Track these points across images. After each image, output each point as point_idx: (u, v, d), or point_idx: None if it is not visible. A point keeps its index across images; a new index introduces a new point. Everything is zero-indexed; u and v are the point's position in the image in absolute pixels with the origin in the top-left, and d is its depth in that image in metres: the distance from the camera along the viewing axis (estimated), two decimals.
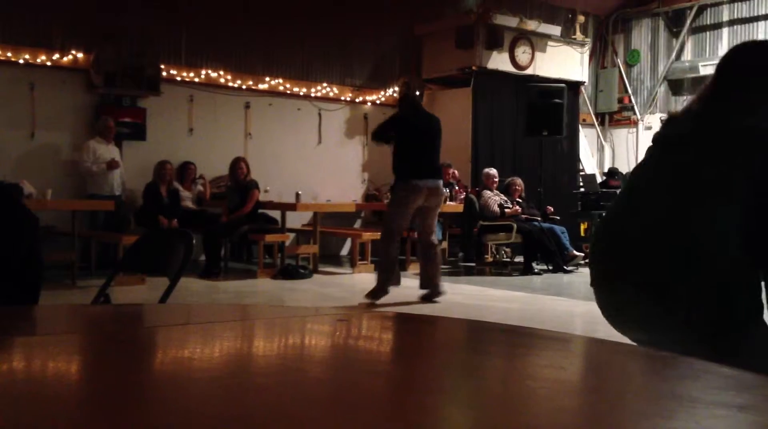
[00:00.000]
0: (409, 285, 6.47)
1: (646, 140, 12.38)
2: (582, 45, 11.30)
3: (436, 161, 6.06)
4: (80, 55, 8.18)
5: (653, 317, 1.69)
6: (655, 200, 1.76)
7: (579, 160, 11.77)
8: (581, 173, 11.56)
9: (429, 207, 5.97)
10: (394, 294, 5.93)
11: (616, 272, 1.79)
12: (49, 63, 8.04)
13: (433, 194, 5.88)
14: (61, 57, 8.11)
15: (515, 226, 8.29)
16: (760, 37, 11.32)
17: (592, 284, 1.88)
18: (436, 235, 9.03)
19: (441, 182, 6.04)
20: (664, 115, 1.94)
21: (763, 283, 1.64)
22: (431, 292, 6.05)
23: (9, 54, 7.84)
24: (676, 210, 1.70)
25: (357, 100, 10.36)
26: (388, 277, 5.81)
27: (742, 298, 1.62)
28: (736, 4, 11.60)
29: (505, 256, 9.34)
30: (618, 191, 2.08)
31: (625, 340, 1.76)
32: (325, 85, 9.97)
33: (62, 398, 0.84)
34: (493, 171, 8.93)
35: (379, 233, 6.16)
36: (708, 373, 1.02)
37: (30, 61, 7.94)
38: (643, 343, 1.74)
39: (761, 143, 1.64)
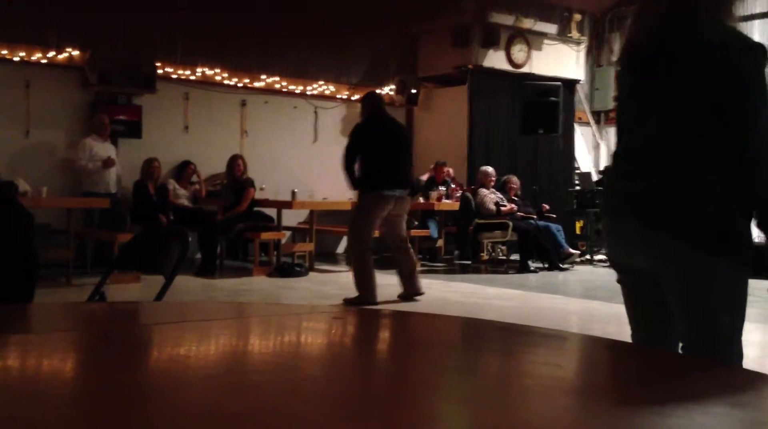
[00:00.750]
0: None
1: None
2: (578, 43, 11.30)
3: (405, 171, 6.03)
4: (76, 53, 8.16)
5: (653, 239, 1.77)
6: (644, 126, 1.83)
7: (575, 159, 11.79)
8: (577, 171, 11.57)
9: (397, 215, 5.96)
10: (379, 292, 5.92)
11: (622, 209, 1.86)
12: (44, 61, 8.01)
13: (399, 203, 5.87)
14: (57, 55, 8.08)
15: (511, 224, 8.30)
16: (756, 37, 11.35)
17: (600, 215, 2.03)
18: (433, 234, 9.05)
19: (408, 191, 6.01)
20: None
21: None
22: (409, 292, 5.99)
23: (4, 51, 7.81)
24: (662, 131, 1.78)
25: (353, 98, 10.35)
26: (367, 290, 5.77)
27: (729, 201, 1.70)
28: None
29: (500, 254, 9.35)
30: None
31: (624, 337, 1.76)
32: (321, 83, 9.96)
33: (58, 396, 0.84)
34: (490, 169, 8.94)
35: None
36: (703, 371, 1.02)
37: (25, 59, 7.91)
38: (634, 269, 1.84)
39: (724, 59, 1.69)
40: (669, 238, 1.74)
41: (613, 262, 1.96)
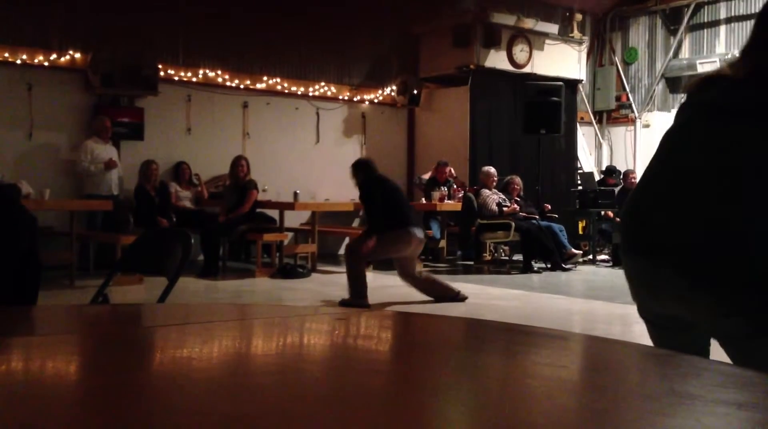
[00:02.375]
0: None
1: (643, 138, 12.43)
2: (579, 43, 11.30)
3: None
4: (78, 56, 8.17)
5: (689, 294, 1.53)
6: (702, 174, 1.57)
7: (577, 159, 11.78)
8: (579, 171, 11.57)
9: (413, 256, 6.06)
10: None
11: (653, 250, 1.60)
12: (46, 63, 8.03)
13: (418, 245, 5.96)
14: (59, 57, 8.10)
15: (513, 224, 8.30)
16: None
17: (621, 252, 1.72)
18: (435, 234, 9.04)
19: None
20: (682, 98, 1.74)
21: None
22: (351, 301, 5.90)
23: (6, 54, 7.83)
24: (728, 187, 1.52)
25: (355, 99, 10.35)
26: (360, 296, 5.82)
27: None
28: (733, 2, 11.61)
29: (503, 255, 9.34)
30: (626, 182, 1.86)
31: (627, 337, 1.75)
32: (322, 84, 9.96)
33: (61, 398, 0.84)
34: (492, 169, 8.94)
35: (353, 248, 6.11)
36: (708, 371, 1.02)
37: (28, 62, 7.93)
38: (667, 316, 1.62)
39: None
40: (721, 289, 1.47)
41: (638, 304, 1.70)
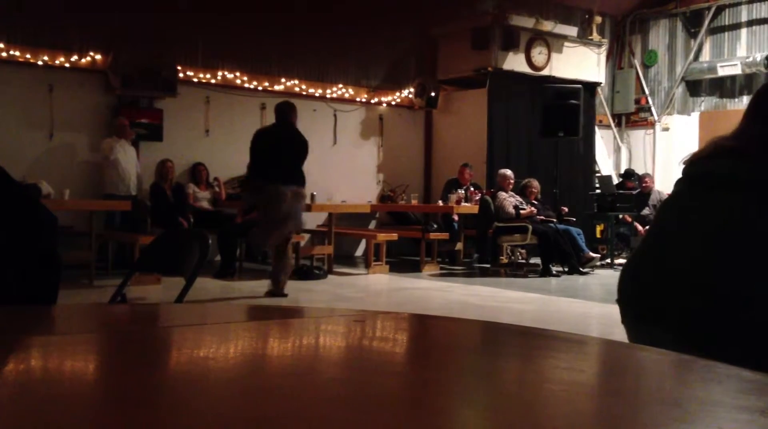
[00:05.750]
0: (425, 285, 6.44)
1: (663, 142, 12.34)
2: (599, 46, 11.23)
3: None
4: (98, 57, 8.25)
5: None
6: (697, 245, 1.61)
7: (595, 162, 11.71)
8: (597, 175, 11.50)
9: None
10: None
11: (653, 316, 1.64)
12: (67, 65, 8.11)
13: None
14: (80, 59, 8.18)
15: (530, 227, 8.26)
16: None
17: (623, 322, 1.74)
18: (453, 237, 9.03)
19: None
20: (692, 157, 1.75)
21: None
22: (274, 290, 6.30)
23: (28, 56, 7.92)
24: (724, 258, 1.55)
25: (372, 101, 10.36)
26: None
27: None
28: (754, 5, 11.48)
29: (520, 258, 9.30)
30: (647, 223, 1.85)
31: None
32: (340, 86, 9.98)
33: (79, 398, 0.84)
34: (509, 172, 8.90)
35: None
36: (729, 377, 1.00)
37: (49, 63, 8.01)
38: None
39: None
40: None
41: None
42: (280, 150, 6.20)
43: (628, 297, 1.73)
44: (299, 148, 6.31)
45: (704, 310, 1.53)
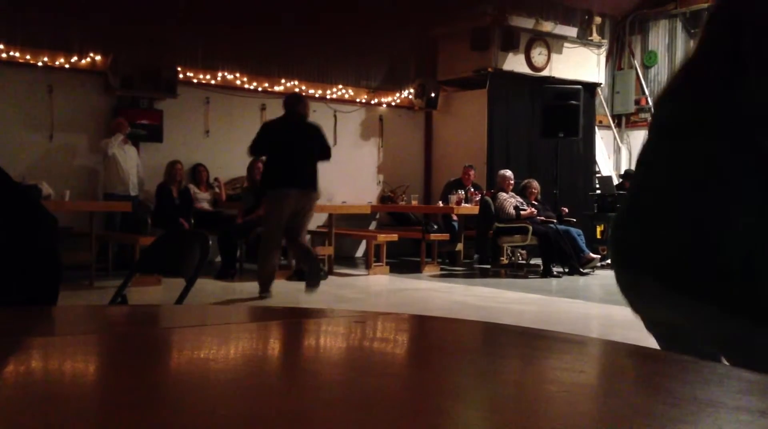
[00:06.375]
0: (425, 286, 6.44)
1: None
2: (598, 46, 11.24)
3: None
4: (98, 58, 8.25)
5: (676, 302, 1.56)
6: (675, 191, 1.60)
7: (595, 162, 11.71)
8: (597, 175, 11.50)
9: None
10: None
11: (635, 260, 1.64)
12: (67, 66, 8.11)
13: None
14: (79, 60, 8.18)
15: (531, 228, 8.26)
16: None
17: (612, 264, 1.76)
18: (454, 238, 9.03)
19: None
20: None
21: None
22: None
23: (28, 57, 7.92)
24: (699, 200, 1.55)
25: (372, 102, 10.36)
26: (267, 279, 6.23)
27: None
28: None
29: (520, 259, 9.30)
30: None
31: (645, 343, 1.73)
32: (340, 86, 9.99)
33: (79, 399, 0.84)
34: (509, 173, 8.91)
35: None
36: (730, 378, 1.00)
37: (48, 64, 8.02)
38: (662, 324, 1.65)
39: None
40: (709, 305, 1.48)
41: (642, 318, 1.72)
42: (293, 147, 6.05)
43: (612, 246, 1.76)
44: (313, 143, 6.16)
45: (683, 256, 1.54)
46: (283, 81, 9.52)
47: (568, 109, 9.21)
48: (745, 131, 1.53)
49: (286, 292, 6.87)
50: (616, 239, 1.72)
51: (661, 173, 1.64)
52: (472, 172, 9.53)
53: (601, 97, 12.26)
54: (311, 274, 6.12)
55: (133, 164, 7.98)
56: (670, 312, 1.59)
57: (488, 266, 9.13)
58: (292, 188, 6.00)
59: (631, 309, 1.73)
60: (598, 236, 10.25)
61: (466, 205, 9.08)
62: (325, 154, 6.32)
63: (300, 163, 6.06)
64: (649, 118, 1.83)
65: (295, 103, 6.24)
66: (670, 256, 1.55)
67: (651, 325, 1.72)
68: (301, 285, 7.25)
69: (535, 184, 8.96)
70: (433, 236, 8.84)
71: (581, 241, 8.60)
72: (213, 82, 9.03)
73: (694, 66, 1.68)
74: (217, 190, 8.62)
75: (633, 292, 1.68)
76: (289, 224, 6.09)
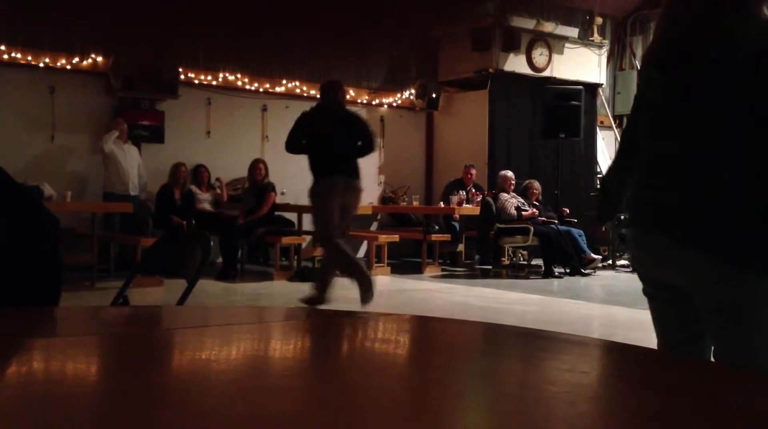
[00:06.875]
0: (426, 287, 6.45)
1: None
2: (600, 47, 11.23)
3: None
4: (99, 59, 8.26)
5: (683, 256, 1.61)
6: (690, 158, 1.64)
7: (596, 163, 11.70)
8: (599, 176, 11.49)
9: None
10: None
11: (648, 219, 1.70)
12: (68, 66, 8.12)
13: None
14: (81, 61, 8.19)
15: (532, 228, 8.26)
16: None
17: (629, 223, 1.81)
18: (454, 238, 9.03)
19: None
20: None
21: None
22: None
23: (29, 58, 7.93)
24: (713, 165, 1.60)
25: (373, 103, 10.36)
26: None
27: None
28: None
29: (521, 259, 9.30)
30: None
31: (646, 343, 1.74)
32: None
33: (81, 400, 0.84)
34: (510, 173, 8.91)
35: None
36: (733, 380, 1.00)
37: (50, 65, 8.02)
38: (667, 286, 1.69)
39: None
40: (711, 259, 1.55)
41: (642, 276, 1.79)
42: (330, 140, 5.56)
43: (629, 208, 1.82)
44: (354, 133, 5.68)
45: (695, 214, 1.60)
46: (284, 82, 9.52)
47: (569, 110, 9.21)
48: (742, 95, 1.56)
49: (287, 293, 6.87)
50: (636, 200, 1.77)
51: (674, 141, 1.67)
52: (473, 172, 9.52)
53: (603, 97, 12.25)
54: (362, 283, 5.50)
55: (134, 164, 7.98)
56: (682, 271, 1.62)
57: (489, 267, 9.13)
58: (341, 176, 5.51)
59: (639, 269, 1.80)
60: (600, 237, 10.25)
61: (468, 205, 9.08)
62: (367, 146, 5.78)
63: (341, 154, 5.60)
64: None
65: (332, 90, 5.74)
66: (690, 217, 1.59)
67: (651, 286, 1.77)
68: (303, 286, 7.25)
69: (537, 184, 8.95)
70: (434, 237, 8.84)
71: (582, 242, 8.60)
72: (214, 83, 9.03)
73: (671, 30, 1.70)
74: (218, 190, 8.63)
75: (647, 250, 1.72)
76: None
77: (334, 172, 5.51)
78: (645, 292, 1.80)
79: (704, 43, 1.60)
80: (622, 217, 9.71)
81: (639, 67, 1.85)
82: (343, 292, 6.90)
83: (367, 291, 5.42)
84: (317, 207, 5.60)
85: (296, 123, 5.73)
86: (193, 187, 8.45)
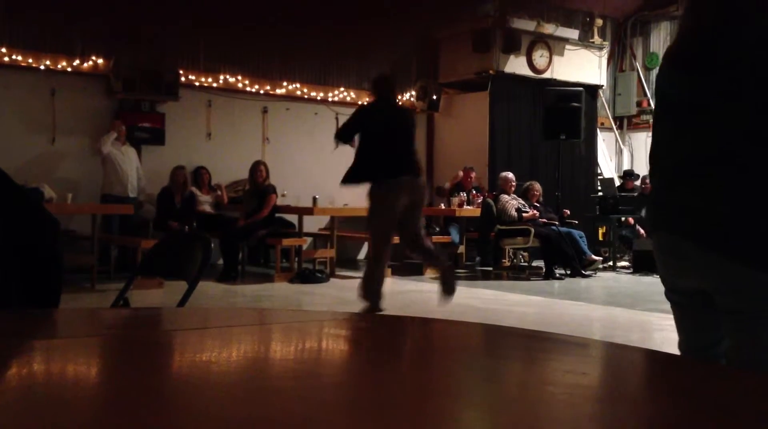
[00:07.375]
0: (427, 288, 6.44)
1: None
2: (600, 48, 11.24)
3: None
4: (100, 61, 8.26)
5: (717, 264, 1.58)
6: (710, 163, 1.62)
7: (597, 164, 11.71)
8: (599, 177, 11.49)
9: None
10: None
11: (672, 222, 1.68)
12: (69, 69, 8.12)
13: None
14: (81, 63, 8.19)
15: (533, 230, 8.26)
16: None
17: (649, 230, 1.80)
18: (454, 240, 9.03)
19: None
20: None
21: None
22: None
23: (30, 60, 7.93)
24: (733, 170, 1.58)
25: None
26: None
27: None
28: None
29: (522, 261, 9.30)
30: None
31: (646, 344, 1.73)
32: (342, 89, 9.99)
33: (81, 401, 0.84)
34: (510, 175, 8.91)
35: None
36: (735, 380, 1.00)
37: (51, 67, 8.03)
38: (690, 292, 1.67)
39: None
40: (734, 261, 1.53)
41: (665, 281, 1.76)
42: (395, 134, 5.35)
43: (650, 210, 1.79)
44: (412, 129, 5.52)
45: (729, 217, 1.56)
46: (284, 84, 9.53)
47: (569, 111, 9.21)
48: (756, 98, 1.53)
49: (288, 294, 6.88)
50: (660, 204, 1.74)
51: (698, 143, 1.64)
52: (471, 174, 9.51)
53: (603, 99, 12.26)
54: (445, 278, 5.32)
55: (133, 166, 7.98)
56: (707, 275, 1.61)
57: (490, 268, 9.13)
58: (406, 175, 5.27)
59: (662, 273, 1.76)
60: (600, 238, 10.25)
61: (468, 207, 9.08)
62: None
63: (405, 149, 5.41)
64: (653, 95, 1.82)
65: (388, 86, 5.54)
66: (715, 221, 1.57)
67: (675, 291, 1.74)
68: (303, 288, 7.25)
69: (537, 186, 8.95)
70: (434, 238, 8.83)
71: (583, 243, 8.60)
72: (215, 84, 9.03)
73: (689, 34, 1.70)
74: (218, 192, 8.63)
75: (669, 254, 1.69)
76: (402, 221, 5.30)
77: (399, 171, 5.28)
78: (668, 297, 1.77)
79: (732, 44, 1.57)
80: (623, 219, 9.72)
81: (660, 67, 1.81)
82: (344, 294, 6.90)
83: (449, 289, 5.28)
84: (379, 210, 5.34)
85: (355, 115, 5.54)
86: (194, 189, 8.46)
